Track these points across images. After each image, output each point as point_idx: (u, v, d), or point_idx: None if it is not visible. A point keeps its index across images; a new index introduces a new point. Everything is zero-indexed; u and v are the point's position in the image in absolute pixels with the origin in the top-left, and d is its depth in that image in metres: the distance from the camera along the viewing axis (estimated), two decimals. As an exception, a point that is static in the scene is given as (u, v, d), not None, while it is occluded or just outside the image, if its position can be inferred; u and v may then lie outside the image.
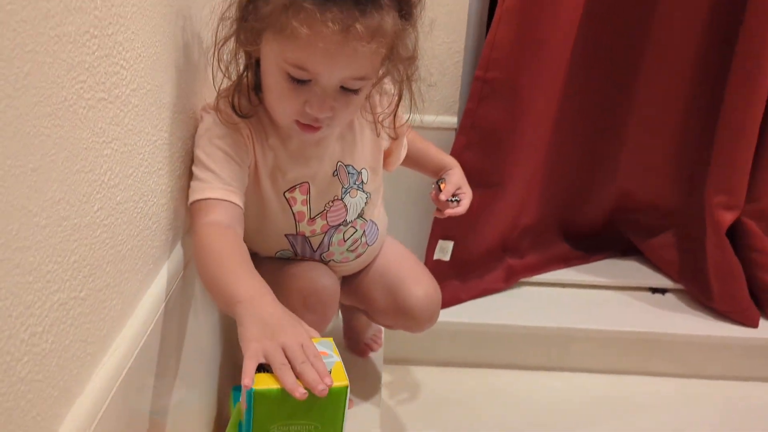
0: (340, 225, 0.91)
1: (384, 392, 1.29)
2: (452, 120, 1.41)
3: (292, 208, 0.88)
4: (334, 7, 0.66)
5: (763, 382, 1.42)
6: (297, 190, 0.87)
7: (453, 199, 0.99)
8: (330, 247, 0.93)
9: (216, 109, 0.82)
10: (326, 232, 0.91)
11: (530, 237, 1.52)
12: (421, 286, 0.98)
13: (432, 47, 1.34)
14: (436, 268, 1.40)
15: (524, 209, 1.46)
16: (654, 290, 1.53)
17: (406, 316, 0.98)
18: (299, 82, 0.73)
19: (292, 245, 0.91)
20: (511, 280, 1.50)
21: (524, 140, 1.31)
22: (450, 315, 1.41)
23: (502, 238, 1.47)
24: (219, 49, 0.78)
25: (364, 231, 0.95)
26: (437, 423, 1.29)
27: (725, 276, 1.39)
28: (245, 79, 0.81)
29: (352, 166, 0.90)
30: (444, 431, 1.27)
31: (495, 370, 1.43)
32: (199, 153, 0.81)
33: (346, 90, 0.75)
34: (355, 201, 0.91)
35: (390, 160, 1.00)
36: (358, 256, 0.97)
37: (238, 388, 0.61)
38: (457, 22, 1.33)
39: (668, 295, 1.52)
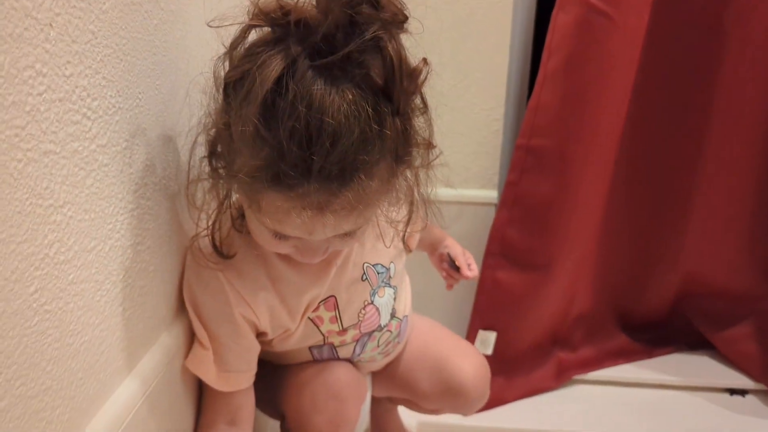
0: (374, 332, 0.81)
1: None
2: (492, 194, 1.27)
3: (320, 328, 0.77)
4: (307, 189, 0.54)
5: None
6: (322, 307, 0.76)
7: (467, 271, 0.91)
8: (361, 355, 0.83)
9: (192, 252, 0.70)
10: (358, 340, 0.80)
11: (584, 327, 1.34)
12: (468, 360, 0.89)
13: (468, 115, 1.23)
14: (476, 362, 1.22)
15: (576, 295, 1.29)
16: (732, 391, 1.32)
17: (456, 395, 0.88)
18: (282, 237, 0.62)
19: (315, 356, 0.80)
20: (562, 377, 1.31)
21: (574, 216, 1.16)
22: (493, 419, 1.23)
23: (552, 328, 1.30)
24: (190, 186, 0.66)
25: (399, 331, 0.85)
26: None
27: (819, 375, 1.19)
28: (228, 210, 0.68)
29: (381, 264, 0.79)
30: None
31: (547, 486, 1.22)
32: (200, 318, 0.71)
33: (340, 235, 0.62)
34: (384, 300, 0.80)
35: (410, 241, 0.86)
36: (386, 356, 0.87)
37: None
38: (495, 86, 1.21)
39: (749, 397, 1.31)
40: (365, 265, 0.77)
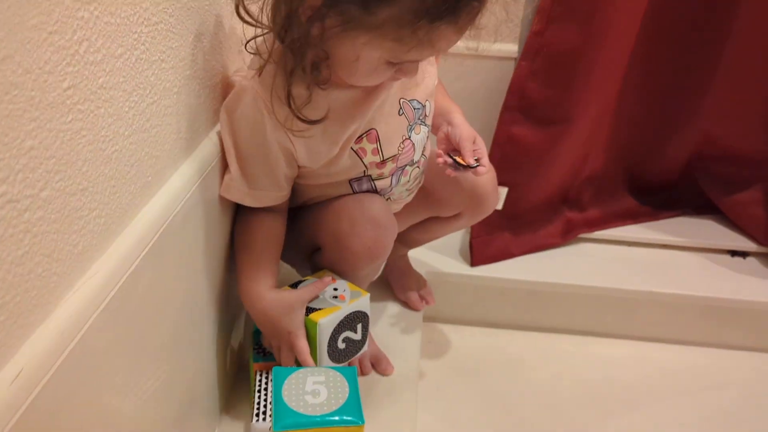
0: (406, 166, 0.86)
1: (424, 353, 1.16)
2: (512, 48, 1.23)
3: (363, 160, 0.82)
4: (460, 20, 0.64)
5: None
6: (365, 139, 0.80)
7: (474, 164, 0.83)
8: (394, 189, 0.88)
9: (270, 111, 0.73)
10: (393, 174, 0.85)
11: (593, 188, 1.35)
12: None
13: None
14: (487, 217, 1.24)
15: (589, 154, 1.29)
16: (733, 253, 1.35)
17: (474, 193, 0.96)
18: (396, 64, 0.69)
19: (354, 188, 0.85)
20: (569, 235, 1.34)
21: (597, 70, 1.13)
22: (499, 271, 1.26)
23: (562, 187, 1.30)
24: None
25: (423, 168, 0.91)
26: (480, 389, 1.14)
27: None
28: (305, 71, 0.69)
29: (417, 101, 0.84)
30: (488, 399, 1.13)
31: (547, 335, 1.28)
32: (239, 146, 0.76)
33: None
34: (419, 138, 0.86)
35: None
36: (410, 193, 0.94)
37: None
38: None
39: (750, 259, 1.34)
40: (401, 100, 0.82)
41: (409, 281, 1.15)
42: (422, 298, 1.15)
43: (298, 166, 0.80)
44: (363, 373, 0.98)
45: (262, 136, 0.75)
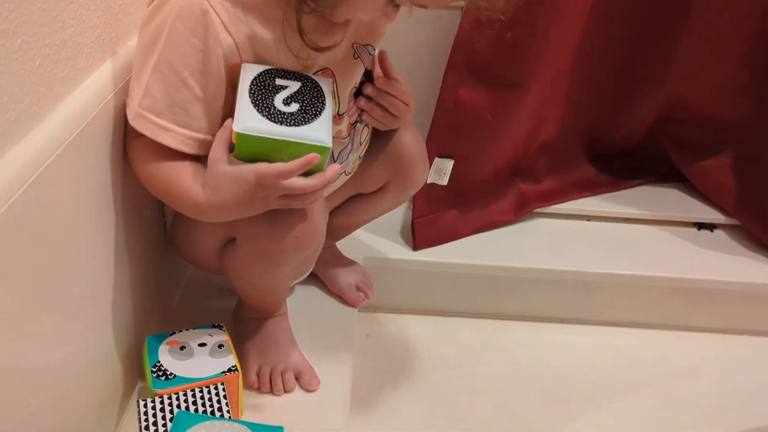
0: (357, 123, 0.77)
1: (361, 351, 1.02)
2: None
3: None
4: None
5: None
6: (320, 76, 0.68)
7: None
8: (350, 155, 0.78)
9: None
10: (350, 134, 0.76)
11: (549, 156, 1.21)
12: (407, 132, 0.85)
13: None
14: (430, 194, 1.09)
15: (544, 119, 1.14)
16: (700, 225, 1.24)
17: (400, 160, 0.84)
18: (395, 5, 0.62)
19: None
20: (523, 210, 1.20)
21: (555, 26, 0.97)
22: (447, 254, 1.12)
23: (514, 157, 1.16)
24: None
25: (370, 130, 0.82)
26: (429, 385, 1.01)
27: (797, 209, 1.10)
28: None
29: (371, 46, 0.75)
30: (433, 401, 0.99)
31: (502, 322, 1.15)
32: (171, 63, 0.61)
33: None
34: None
35: None
36: (360, 160, 0.83)
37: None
38: None
39: (717, 232, 1.23)
40: (355, 45, 0.72)
41: (343, 273, 1.00)
42: (360, 290, 1.00)
43: None
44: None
45: (203, 45, 0.60)
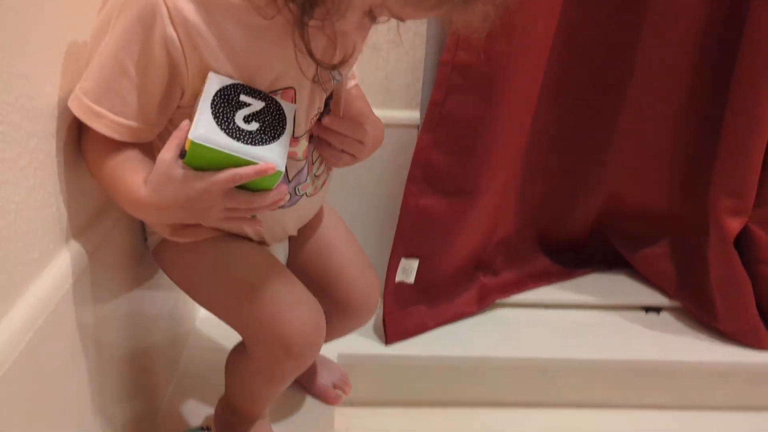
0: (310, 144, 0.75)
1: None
2: (413, 115, 1.19)
3: None
4: None
5: (773, 412, 1.24)
6: (279, 95, 0.67)
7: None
8: (308, 177, 0.76)
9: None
10: (306, 157, 0.74)
11: (506, 251, 1.31)
12: (362, 278, 0.88)
13: (382, 28, 1.12)
14: (398, 291, 1.18)
15: (499, 219, 1.25)
16: (647, 309, 1.34)
17: (342, 309, 0.87)
18: (371, 17, 0.61)
19: None
20: (485, 301, 1.29)
21: (501, 139, 1.10)
22: (416, 347, 1.20)
23: (475, 253, 1.26)
24: None
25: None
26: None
27: (731, 291, 1.21)
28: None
29: (338, 72, 0.72)
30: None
31: (469, 410, 1.22)
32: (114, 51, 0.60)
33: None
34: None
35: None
36: (323, 185, 0.81)
37: None
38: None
39: (663, 314, 1.33)
40: (318, 67, 0.69)
41: (321, 373, 1.05)
42: (337, 387, 1.05)
43: (178, 106, 0.65)
44: None
45: (147, 34, 0.60)
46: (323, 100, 0.73)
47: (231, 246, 0.76)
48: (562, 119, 1.23)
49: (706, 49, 1.16)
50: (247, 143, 0.60)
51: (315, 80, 0.69)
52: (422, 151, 1.09)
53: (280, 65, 0.65)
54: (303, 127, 0.71)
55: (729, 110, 1.12)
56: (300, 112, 0.69)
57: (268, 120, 0.62)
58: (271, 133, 0.61)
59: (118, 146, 0.63)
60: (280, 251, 0.85)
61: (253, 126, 0.61)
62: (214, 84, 0.60)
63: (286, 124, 0.63)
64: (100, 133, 0.62)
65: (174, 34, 0.59)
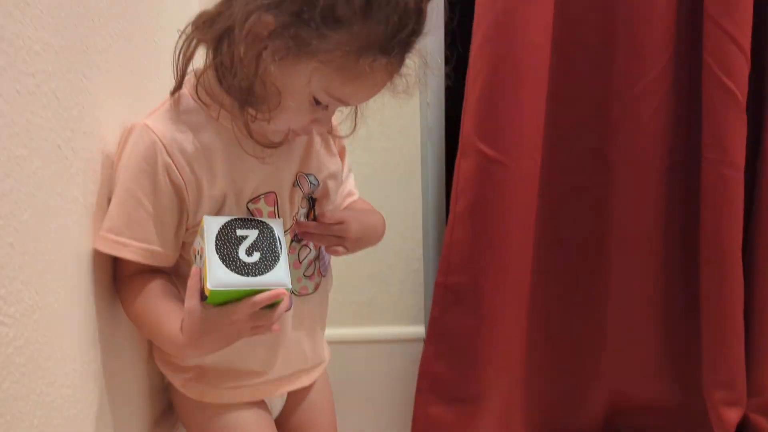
0: (292, 242, 0.82)
1: None
2: (419, 330, 1.32)
3: None
4: (394, 58, 0.68)
5: None
6: (262, 200, 0.77)
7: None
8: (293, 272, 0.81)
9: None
10: (292, 253, 0.82)
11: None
12: None
13: (388, 256, 1.29)
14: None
15: (510, 421, 1.31)
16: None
17: None
18: (319, 104, 0.70)
19: None
20: None
21: (497, 349, 1.21)
22: None
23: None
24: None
25: (318, 254, 0.86)
26: None
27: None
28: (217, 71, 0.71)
29: (314, 176, 0.82)
30: None
31: None
32: (129, 192, 0.71)
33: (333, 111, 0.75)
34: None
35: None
36: (316, 288, 0.87)
37: None
38: (412, 228, 1.30)
39: None
40: (298, 173, 0.80)
41: None
42: None
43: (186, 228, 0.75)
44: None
45: (152, 168, 0.71)
46: (303, 201, 0.82)
47: (237, 424, 0.84)
48: (556, 321, 1.32)
49: (672, 257, 1.27)
50: (256, 275, 0.67)
51: (294, 185, 0.80)
52: (427, 363, 1.20)
53: (260, 173, 0.76)
54: (287, 225, 0.80)
55: (702, 308, 1.21)
56: (283, 214, 0.79)
57: (265, 246, 0.69)
58: (272, 257, 0.68)
59: (144, 279, 0.73)
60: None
61: (255, 257, 0.68)
62: (212, 227, 0.68)
63: (281, 243, 0.70)
64: (129, 267, 0.73)
65: (170, 161, 0.71)
